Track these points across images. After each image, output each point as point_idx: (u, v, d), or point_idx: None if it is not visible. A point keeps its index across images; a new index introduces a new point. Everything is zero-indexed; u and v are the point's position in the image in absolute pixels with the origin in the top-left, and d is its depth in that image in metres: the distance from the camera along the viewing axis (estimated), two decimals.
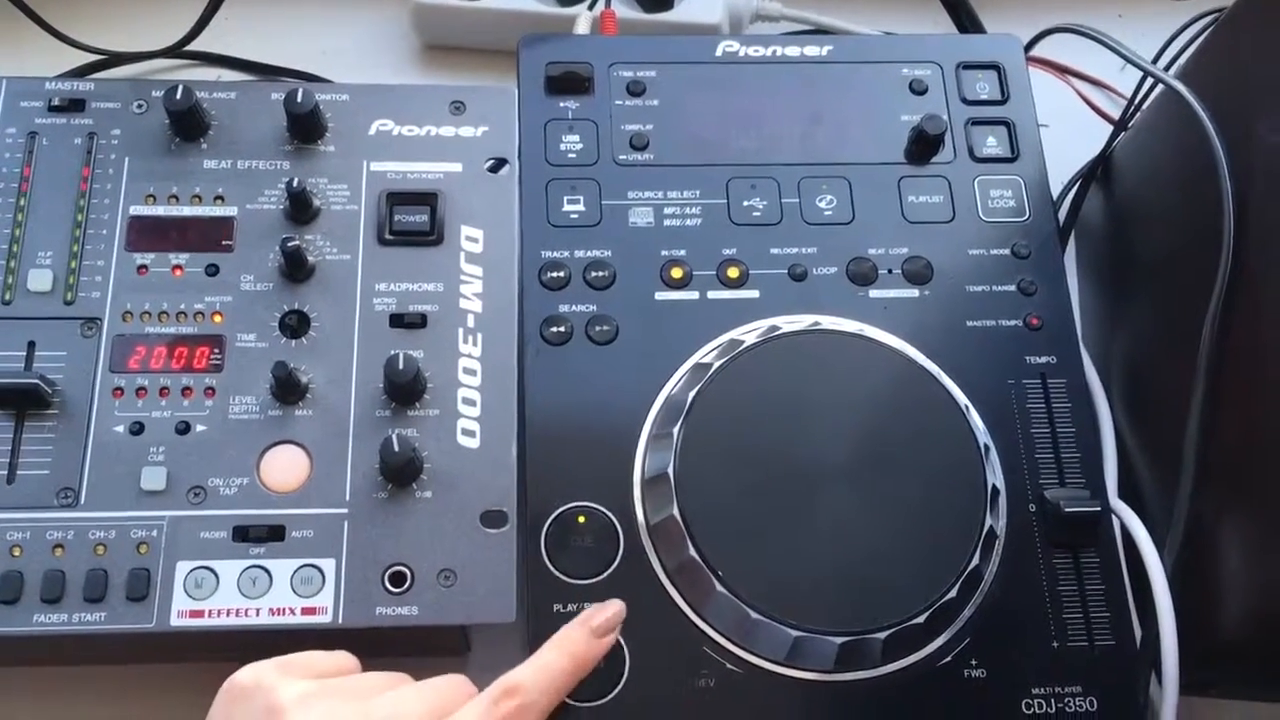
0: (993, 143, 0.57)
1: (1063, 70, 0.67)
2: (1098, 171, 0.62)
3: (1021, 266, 0.54)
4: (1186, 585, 0.48)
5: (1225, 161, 0.48)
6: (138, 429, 0.48)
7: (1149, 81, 0.61)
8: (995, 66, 0.58)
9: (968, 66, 0.58)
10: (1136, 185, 0.59)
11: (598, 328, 0.52)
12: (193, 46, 0.65)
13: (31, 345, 0.49)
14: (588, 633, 0.45)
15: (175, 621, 0.46)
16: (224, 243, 0.52)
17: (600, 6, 0.63)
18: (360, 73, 0.65)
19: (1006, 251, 0.54)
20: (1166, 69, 0.62)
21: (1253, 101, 0.49)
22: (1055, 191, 0.63)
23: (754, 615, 0.46)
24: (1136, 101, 0.62)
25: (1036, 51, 0.65)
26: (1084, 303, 0.61)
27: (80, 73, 0.63)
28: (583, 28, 0.61)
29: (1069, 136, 0.64)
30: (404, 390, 0.49)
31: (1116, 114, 0.65)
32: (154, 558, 0.47)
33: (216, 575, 0.47)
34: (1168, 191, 0.55)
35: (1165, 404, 0.52)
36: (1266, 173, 0.47)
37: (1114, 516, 0.51)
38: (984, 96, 0.58)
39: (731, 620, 0.46)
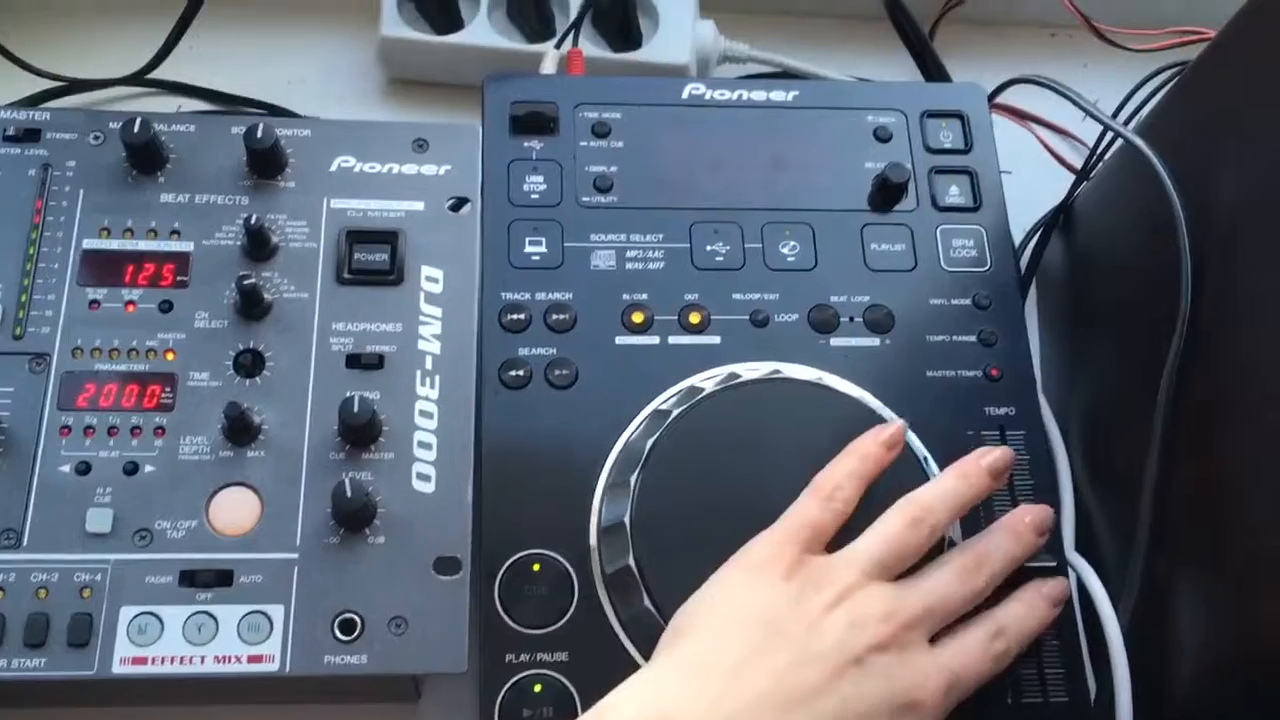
0: (955, 191, 0.57)
1: (1026, 117, 0.68)
2: (1059, 220, 0.63)
3: (982, 317, 0.54)
4: (1142, 641, 0.48)
5: (1184, 218, 0.49)
6: (84, 469, 0.47)
7: (1110, 134, 0.61)
8: (959, 115, 0.58)
9: (932, 115, 0.58)
10: (1097, 236, 0.59)
11: (557, 371, 0.51)
12: (155, 74, 0.64)
13: None
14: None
15: (117, 669, 0.45)
16: (179, 279, 0.51)
17: (568, 45, 0.63)
18: (325, 105, 0.65)
19: (967, 302, 0.55)
20: (1128, 121, 0.63)
21: (1213, 157, 0.49)
22: (1017, 238, 0.63)
23: None
24: (1098, 152, 0.62)
25: (1001, 98, 0.65)
26: (1044, 352, 0.61)
27: (38, 100, 0.62)
28: (549, 66, 0.61)
29: (1031, 183, 0.64)
30: (359, 433, 0.48)
31: (1079, 161, 0.65)
32: (97, 602, 0.46)
33: (161, 621, 0.46)
34: (1127, 244, 0.56)
35: (1123, 458, 0.52)
36: (1224, 230, 0.47)
37: (1070, 570, 0.51)
38: (947, 145, 0.58)
39: None
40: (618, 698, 0.40)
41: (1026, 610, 0.47)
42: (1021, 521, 0.48)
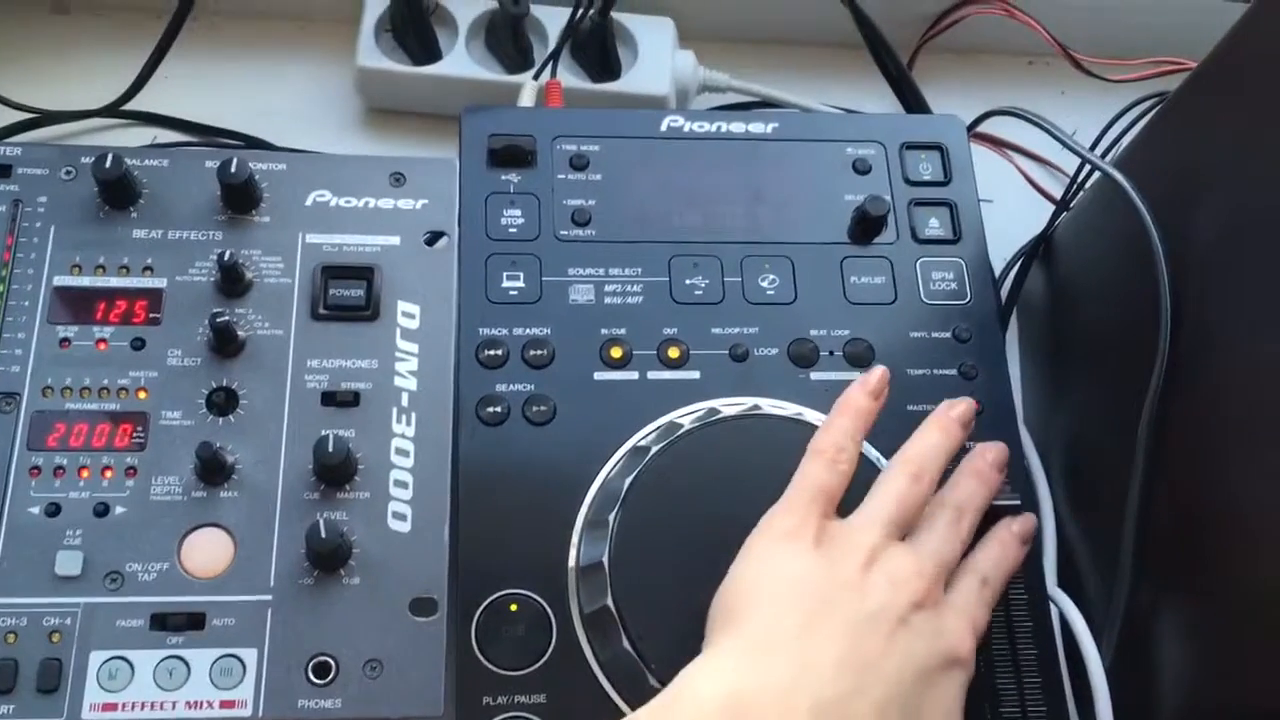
0: (935, 224, 0.57)
1: (1006, 146, 0.68)
2: (1040, 250, 0.63)
3: (962, 350, 0.54)
4: (1125, 677, 0.47)
5: (1162, 251, 0.48)
6: (54, 510, 0.47)
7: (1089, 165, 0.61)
8: (938, 147, 0.58)
9: (911, 146, 0.58)
10: (1077, 267, 0.59)
11: (535, 408, 0.51)
12: (130, 106, 0.63)
13: None
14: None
15: (87, 715, 0.44)
16: (151, 315, 0.50)
17: (546, 76, 0.62)
18: (302, 135, 0.64)
19: (948, 335, 0.54)
20: (1107, 152, 0.63)
21: (1191, 189, 0.49)
22: (998, 268, 0.63)
23: None
24: (1078, 182, 0.62)
25: (980, 128, 0.65)
26: (1026, 382, 0.61)
27: (10, 132, 0.61)
28: (527, 98, 0.61)
29: (1011, 213, 0.64)
30: (334, 472, 0.48)
31: (1059, 189, 0.65)
32: (67, 647, 0.45)
33: (132, 666, 0.45)
34: (1108, 275, 0.56)
35: (1104, 491, 0.51)
36: (1204, 263, 0.47)
37: (1052, 605, 0.50)
38: (926, 177, 0.58)
39: None
40: (692, 680, 0.40)
41: (1002, 551, 0.48)
42: (985, 462, 0.49)
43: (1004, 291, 0.63)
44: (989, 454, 0.49)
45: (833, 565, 0.43)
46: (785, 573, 0.43)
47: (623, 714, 0.46)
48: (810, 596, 0.42)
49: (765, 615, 0.42)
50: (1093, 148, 0.63)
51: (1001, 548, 0.48)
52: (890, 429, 0.52)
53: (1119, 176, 0.51)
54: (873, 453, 0.50)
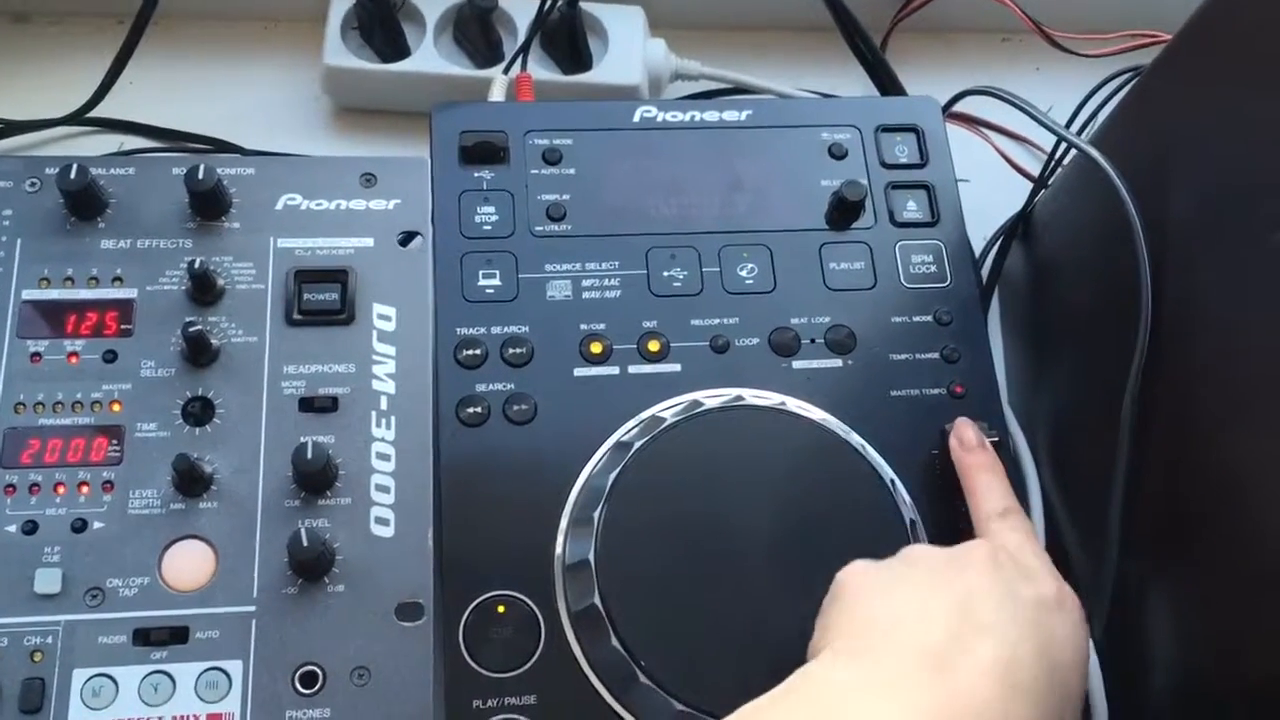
0: (913, 207, 0.56)
1: (982, 125, 0.67)
2: (1019, 229, 0.62)
3: (944, 333, 0.54)
4: (1115, 654, 0.47)
5: (1140, 225, 0.48)
6: (31, 528, 0.46)
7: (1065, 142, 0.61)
8: (914, 129, 0.58)
9: (886, 129, 0.58)
10: (1057, 244, 0.59)
11: (515, 407, 0.50)
12: (95, 113, 0.62)
13: None
14: (977, 448, 0.50)
15: None
16: (123, 327, 0.50)
17: (516, 69, 0.62)
18: (271, 136, 0.63)
19: (929, 318, 0.54)
20: (1084, 128, 0.62)
21: (1168, 164, 0.49)
22: (977, 248, 0.63)
23: (678, 707, 0.44)
24: (1055, 159, 0.62)
25: (956, 107, 0.65)
26: (1009, 361, 0.61)
27: None
28: (498, 93, 0.60)
29: (990, 192, 0.64)
30: (314, 479, 0.47)
31: (1037, 167, 0.65)
32: (49, 666, 0.44)
33: (116, 683, 0.44)
34: (1087, 252, 0.55)
35: (1090, 468, 0.51)
36: (1182, 237, 0.47)
37: None
38: (903, 160, 0.57)
39: (656, 713, 0.45)
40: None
41: (978, 477, 0.49)
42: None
43: (984, 271, 0.63)
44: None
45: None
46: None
47: (614, 712, 0.45)
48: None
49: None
50: (1069, 124, 0.63)
51: (975, 473, 0.49)
52: (874, 415, 0.52)
53: (1095, 154, 0.51)
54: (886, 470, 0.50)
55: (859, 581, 0.42)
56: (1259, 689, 0.41)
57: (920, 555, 0.44)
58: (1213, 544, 0.43)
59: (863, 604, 0.41)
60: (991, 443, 0.51)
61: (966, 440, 0.50)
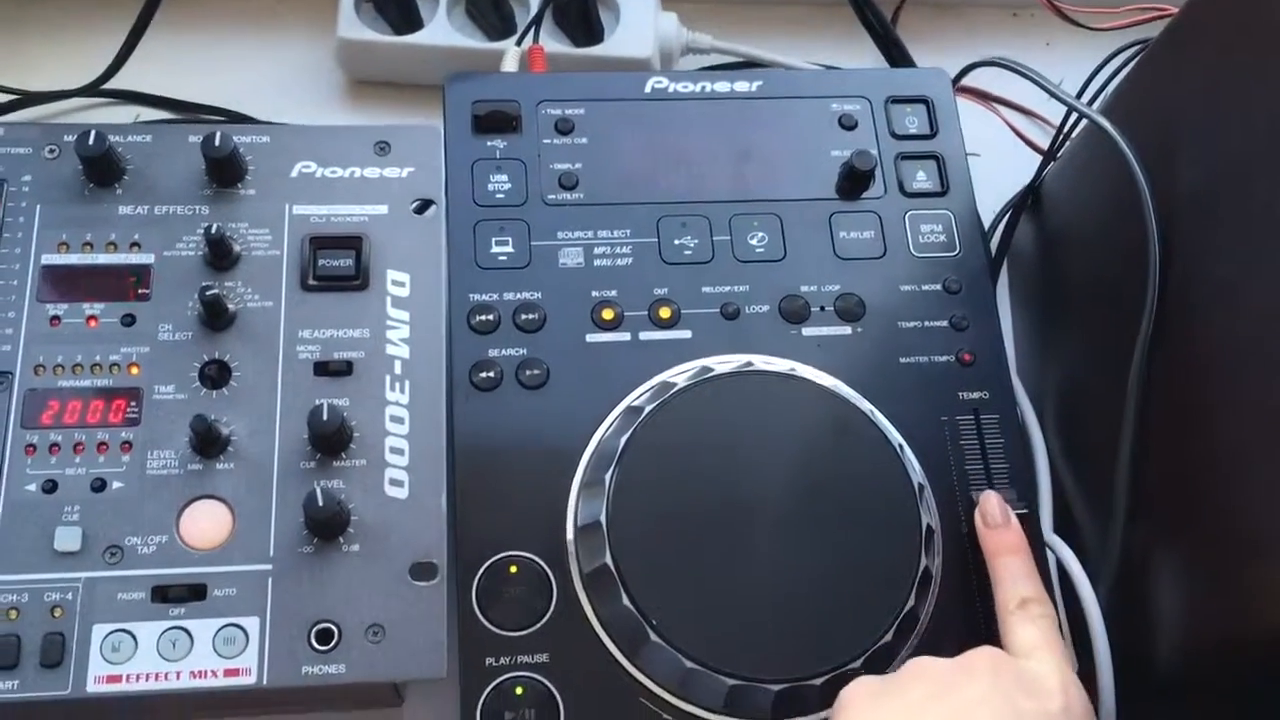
0: (922, 177, 0.57)
1: (991, 99, 0.67)
2: (1028, 202, 0.63)
3: (953, 301, 0.54)
4: (1122, 620, 0.48)
5: (1149, 195, 0.48)
6: (51, 487, 0.47)
7: (1075, 113, 0.61)
8: (924, 100, 0.58)
9: (896, 100, 0.58)
10: (1066, 216, 0.59)
11: (528, 372, 0.51)
12: (110, 84, 0.63)
13: None
14: (1005, 525, 0.49)
15: (92, 688, 0.44)
16: (140, 291, 0.50)
17: (528, 42, 0.62)
18: (285, 109, 0.64)
19: (938, 287, 0.54)
20: (1092, 101, 0.63)
21: (1176, 134, 0.49)
22: (987, 221, 0.63)
23: (689, 665, 0.45)
24: (1064, 132, 0.62)
25: (965, 81, 0.65)
26: (1017, 333, 0.61)
27: None
28: (510, 64, 0.61)
29: (999, 165, 0.64)
30: (329, 441, 0.48)
31: (1045, 142, 0.65)
32: (69, 621, 0.45)
33: (135, 638, 0.45)
34: (1096, 222, 0.56)
35: (1098, 436, 0.52)
36: (1191, 207, 0.47)
37: (1049, 552, 0.51)
38: (913, 130, 0.58)
39: (667, 670, 0.46)
40: None
41: (1008, 560, 0.48)
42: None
43: (993, 244, 0.63)
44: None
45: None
46: None
47: (625, 670, 0.46)
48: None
49: None
50: (1078, 97, 0.63)
51: (997, 557, 0.48)
52: (883, 382, 0.52)
53: (1104, 122, 0.51)
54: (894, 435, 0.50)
55: (860, 701, 0.42)
56: (1258, 644, 0.41)
57: (923, 670, 0.43)
58: (1217, 509, 0.44)
59: None
60: (1019, 515, 0.50)
61: (991, 517, 0.49)
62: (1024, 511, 0.50)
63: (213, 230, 0.50)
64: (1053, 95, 0.56)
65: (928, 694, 0.41)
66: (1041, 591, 0.47)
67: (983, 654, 0.43)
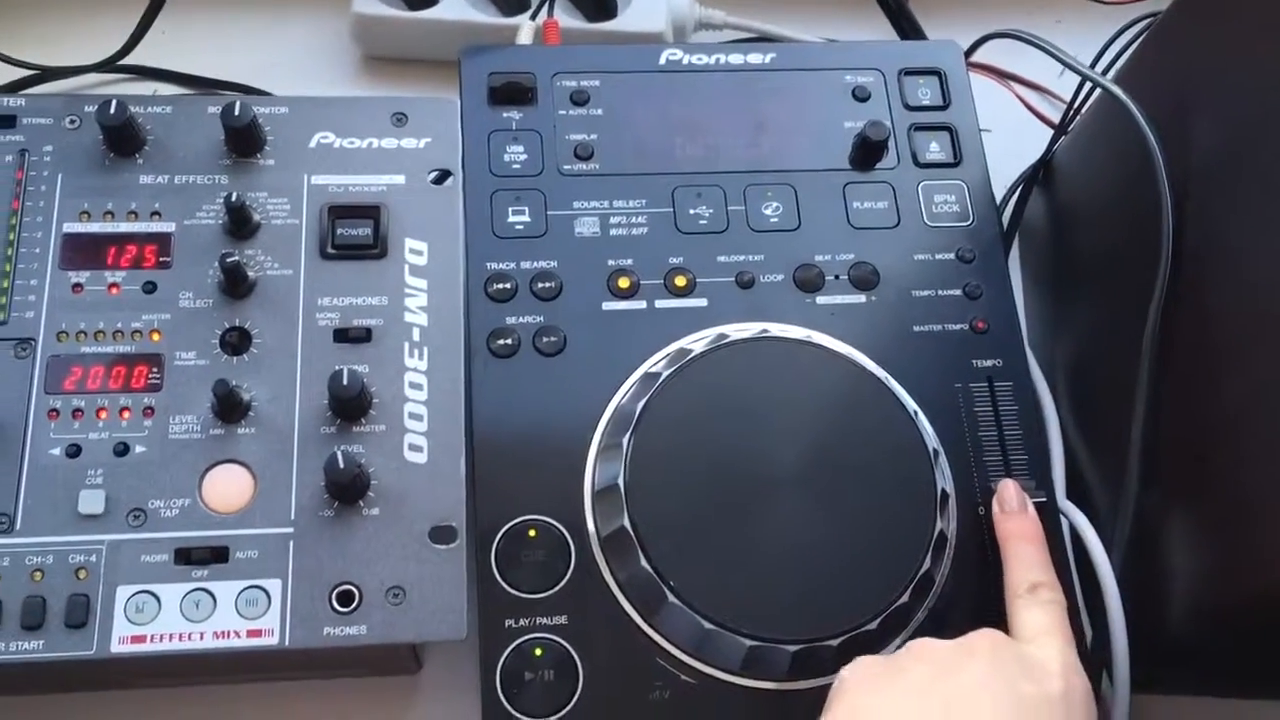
0: (936, 148, 0.57)
1: (1003, 75, 0.68)
2: (1039, 175, 0.63)
3: (966, 271, 0.55)
4: (1135, 584, 0.48)
5: (1162, 164, 0.49)
6: (75, 451, 0.47)
7: (1087, 86, 0.62)
8: (936, 72, 0.59)
9: (909, 72, 0.58)
10: (1077, 188, 0.59)
11: (545, 339, 0.51)
12: (128, 60, 0.64)
13: None
14: (1021, 512, 0.49)
15: (116, 648, 0.45)
16: (161, 259, 0.51)
17: (543, 16, 0.62)
18: (300, 85, 0.64)
19: (951, 256, 0.55)
20: (1104, 74, 0.63)
21: (1188, 103, 0.49)
22: (998, 195, 0.63)
23: (707, 626, 0.45)
24: (1076, 106, 0.63)
25: (977, 57, 0.65)
26: (1029, 305, 0.62)
27: (11, 88, 0.62)
28: (525, 38, 0.61)
29: (1011, 140, 0.65)
30: (349, 406, 0.48)
31: (1056, 118, 0.66)
32: (93, 583, 0.45)
33: (158, 599, 0.45)
34: (1108, 193, 0.56)
35: (1110, 404, 0.52)
36: (1204, 175, 0.48)
37: (1062, 517, 0.51)
38: (926, 102, 0.58)
39: (685, 631, 0.46)
40: None
41: (1020, 548, 0.48)
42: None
43: (1005, 218, 0.63)
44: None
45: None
46: None
47: (642, 631, 0.46)
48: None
49: None
50: (1090, 68, 0.63)
51: (1011, 542, 0.48)
52: (897, 349, 0.52)
53: (1118, 91, 0.51)
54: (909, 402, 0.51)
55: (859, 680, 0.42)
56: (1269, 606, 0.41)
57: (924, 651, 0.43)
58: (1227, 474, 0.44)
59: (861, 703, 0.41)
60: (1036, 504, 0.50)
61: (1007, 503, 0.49)
62: (1042, 500, 0.50)
63: (233, 199, 0.50)
64: (1066, 65, 0.57)
65: (928, 675, 0.41)
66: (1053, 578, 0.47)
67: (984, 636, 0.43)
